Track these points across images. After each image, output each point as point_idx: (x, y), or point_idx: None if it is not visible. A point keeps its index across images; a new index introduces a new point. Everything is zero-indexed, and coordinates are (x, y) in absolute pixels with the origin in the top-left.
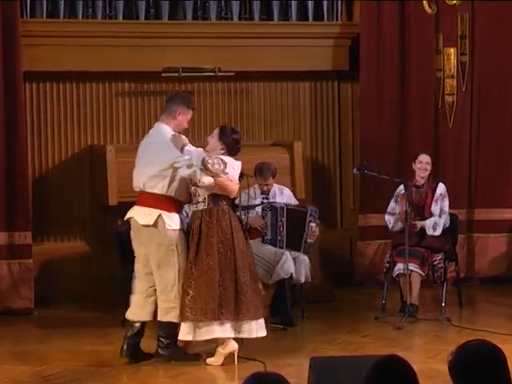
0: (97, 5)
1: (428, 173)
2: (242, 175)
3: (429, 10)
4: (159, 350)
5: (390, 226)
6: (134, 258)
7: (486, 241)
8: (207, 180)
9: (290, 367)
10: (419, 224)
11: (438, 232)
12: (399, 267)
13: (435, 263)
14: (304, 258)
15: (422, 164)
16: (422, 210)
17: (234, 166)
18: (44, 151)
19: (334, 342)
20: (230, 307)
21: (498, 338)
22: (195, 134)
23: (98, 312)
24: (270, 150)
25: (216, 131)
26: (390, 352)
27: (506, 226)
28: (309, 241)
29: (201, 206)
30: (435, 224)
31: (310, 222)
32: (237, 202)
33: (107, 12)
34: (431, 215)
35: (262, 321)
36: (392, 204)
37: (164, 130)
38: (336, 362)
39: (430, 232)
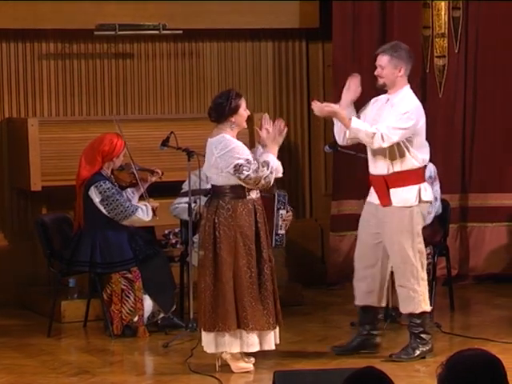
0: None
1: None
2: (189, 152)
3: None
4: None
5: None
6: (60, 253)
7: (483, 231)
8: None
9: (251, 383)
10: None
11: (429, 220)
12: None
13: None
14: None
15: None
16: None
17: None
18: None
19: (301, 353)
20: None
21: (496, 347)
22: (134, 104)
23: (18, 319)
24: None
25: None
26: (368, 364)
27: (506, 214)
28: (280, 232)
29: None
30: (427, 212)
31: (278, 209)
32: (185, 186)
33: None
34: None
35: None
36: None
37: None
38: (303, 376)
39: None
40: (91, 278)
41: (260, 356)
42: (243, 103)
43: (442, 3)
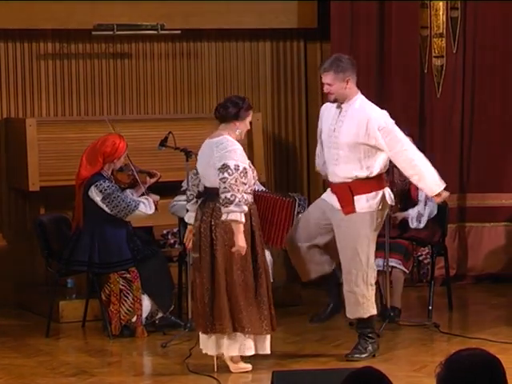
0: None
1: None
2: (187, 152)
3: None
4: None
5: None
6: (59, 253)
7: (481, 232)
8: None
9: (249, 383)
10: (400, 216)
11: (423, 224)
12: (378, 263)
13: (421, 258)
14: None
15: None
16: (407, 196)
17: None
18: None
19: (300, 353)
20: None
21: (495, 347)
22: (132, 104)
23: (17, 319)
24: None
25: None
26: (367, 364)
27: (505, 214)
28: None
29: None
30: (420, 215)
31: (299, 213)
32: (184, 184)
33: None
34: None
35: None
36: None
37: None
38: (301, 376)
39: (413, 225)
40: (89, 278)
41: (258, 356)
42: (251, 115)
43: (440, 3)
